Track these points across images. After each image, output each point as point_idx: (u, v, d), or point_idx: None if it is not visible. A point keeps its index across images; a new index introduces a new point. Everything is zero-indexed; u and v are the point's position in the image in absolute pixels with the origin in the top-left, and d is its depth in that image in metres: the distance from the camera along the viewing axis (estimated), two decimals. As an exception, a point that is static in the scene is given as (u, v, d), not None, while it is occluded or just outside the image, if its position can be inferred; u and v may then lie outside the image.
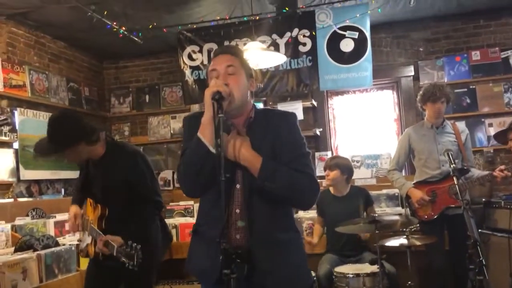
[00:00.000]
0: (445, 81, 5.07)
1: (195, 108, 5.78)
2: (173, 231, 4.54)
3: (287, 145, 1.75)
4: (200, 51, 4.91)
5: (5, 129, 4.30)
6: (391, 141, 5.47)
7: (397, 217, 3.56)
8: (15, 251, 3.16)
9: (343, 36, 4.58)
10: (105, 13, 4.34)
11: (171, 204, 5.21)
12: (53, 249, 3.22)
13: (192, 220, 4.73)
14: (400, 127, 5.40)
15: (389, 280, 3.44)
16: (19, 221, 3.65)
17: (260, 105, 5.44)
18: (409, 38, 5.35)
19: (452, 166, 3.12)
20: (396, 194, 4.64)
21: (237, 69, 1.75)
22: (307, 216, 4.32)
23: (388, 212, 4.41)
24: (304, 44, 4.66)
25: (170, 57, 5.86)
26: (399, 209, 4.49)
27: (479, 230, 3.86)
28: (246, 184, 1.70)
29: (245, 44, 4.45)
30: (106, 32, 4.70)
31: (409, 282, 3.40)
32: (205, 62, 4.88)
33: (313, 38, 4.63)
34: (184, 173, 1.70)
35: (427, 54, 5.30)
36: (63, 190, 4.97)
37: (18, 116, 4.45)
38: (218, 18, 4.72)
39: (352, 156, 5.19)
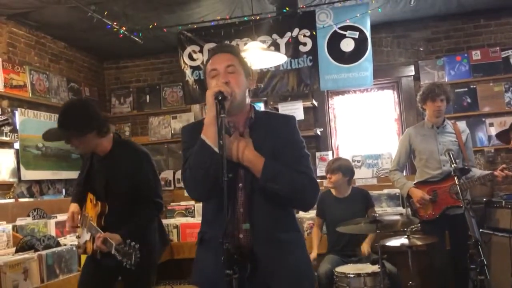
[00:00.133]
0: (446, 80, 5.07)
1: (196, 108, 5.79)
2: (174, 231, 4.55)
3: (288, 147, 1.77)
4: (201, 51, 4.91)
5: (6, 129, 4.30)
6: (391, 141, 5.47)
7: (398, 217, 3.57)
8: (16, 251, 3.16)
9: (344, 36, 4.58)
10: (105, 13, 4.33)
11: (172, 204, 5.22)
12: (54, 249, 3.21)
13: (193, 220, 4.74)
14: (401, 127, 5.40)
15: (390, 280, 3.44)
16: (20, 222, 3.66)
17: (260, 105, 5.45)
18: (409, 37, 5.35)
19: (453, 166, 3.12)
20: (397, 194, 4.64)
21: (237, 68, 1.76)
22: (307, 216, 4.32)
23: (389, 212, 4.41)
24: (305, 44, 4.66)
25: (171, 57, 5.86)
26: (400, 209, 4.49)
27: (480, 230, 3.87)
28: (248, 184, 1.72)
29: (245, 44, 4.45)
30: (106, 32, 4.70)
31: (410, 282, 3.41)
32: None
33: (313, 38, 4.63)
34: (191, 177, 1.70)
35: (428, 54, 5.30)
36: (64, 191, 4.97)
37: (19, 116, 4.45)
38: (219, 18, 4.72)
39: (353, 156, 5.19)
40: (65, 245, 3.38)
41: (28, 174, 4.49)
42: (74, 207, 2.82)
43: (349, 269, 3.52)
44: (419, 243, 3.40)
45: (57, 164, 4.85)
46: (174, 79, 5.91)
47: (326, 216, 4.05)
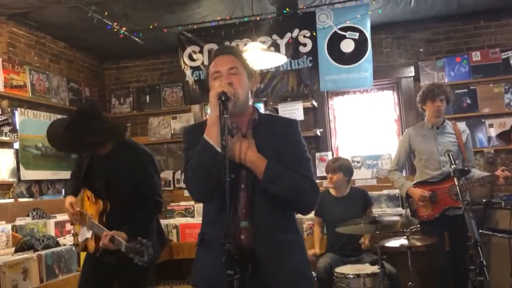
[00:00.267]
0: (446, 81, 5.07)
1: (196, 108, 5.79)
2: (174, 232, 4.55)
3: (290, 150, 1.78)
4: (201, 52, 4.91)
5: (6, 129, 4.30)
6: (391, 142, 5.47)
7: (397, 218, 3.58)
8: (16, 251, 3.16)
9: (344, 37, 4.58)
10: (105, 13, 4.34)
11: (171, 204, 5.22)
12: (53, 249, 3.22)
13: (193, 221, 4.74)
14: (401, 127, 5.40)
15: (389, 280, 3.44)
16: (19, 222, 3.65)
17: (260, 106, 5.45)
18: (409, 38, 5.35)
19: (452, 166, 3.12)
20: (397, 195, 4.65)
21: (239, 69, 1.77)
22: (307, 217, 4.33)
23: (388, 212, 4.42)
24: (305, 45, 4.66)
25: (171, 58, 5.86)
26: (400, 210, 4.50)
27: (480, 231, 3.86)
28: (250, 185, 1.72)
29: (245, 44, 4.44)
30: (106, 33, 4.70)
31: (410, 283, 3.41)
32: (206, 62, 4.87)
33: (313, 38, 4.63)
34: (193, 177, 1.70)
35: (428, 55, 5.31)
36: (63, 191, 4.97)
37: (19, 116, 4.45)
38: (219, 18, 4.72)
39: (352, 157, 5.19)
40: (64, 245, 3.38)
41: (28, 174, 4.49)
42: (70, 198, 2.83)
43: (348, 269, 3.52)
44: (418, 243, 3.41)
45: (57, 164, 4.85)
46: (174, 80, 5.91)
47: (325, 216, 4.05)
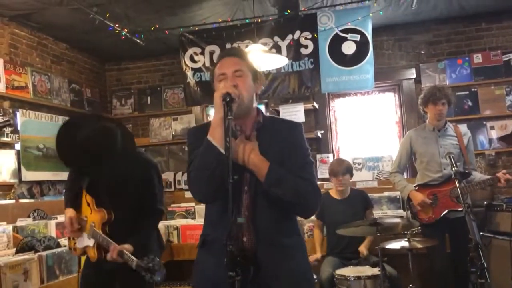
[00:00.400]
0: (447, 83, 5.07)
1: (197, 109, 5.80)
2: (174, 233, 4.55)
3: (294, 154, 1.78)
4: (202, 53, 4.91)
5: (7, 130, 4.30)
6: (392, 144, 5.47)
7: (398, 220, 3.56)
8: (17, 252, 3.16)
9: (345, 39, 4.58)
10: (107, 15, 4.35)
11: (172, 205, 5.22)
12: (54, 250, 3.22)
13: (194, 222, 4.74)
14: (402, 129, 5.40)
15: (390, 283, 3.43)
16: (20, 222, 3.66)
17: (261, 107, 5.45)
18: (411, 40, 5.35)
19: (453, 169, 3.11)
20: (398, 197, 4.64)
21: (244, 72, 1.77)
22: (308, 219, 4.32)
23: (389, 214, 4.42)
24: (306, 47, 4.66)
25: (172, 59, 5.87)
26: (401, 212, 4.49)
27: (481, 233, 3.86)
28: (253, 187, 1.73)
29: (247, 46, 4.45)
30: (108, 34, 4.72)
31: (411, 285, 3.40)
32: (207, 64, 4.88)
33: (315, 40, 4.63)
34: (196, 178, 1.70)
35: (429, 57, 5.31)
36: (64, 192, 4.97)
37: (20, 117, 4.45)
38: (220, 20, 4.72)
39: (353, 159, 5.19)
40: (65, 246, 3.37)
41: (29, 175, 4.50)
42: (70, 212, 2.73)
43: (349, 271, 3.52)
44: (419, 246, 3.40)
45: (58, 165, 4.79)
46: (175, 81, 5.92)
47: (325, 218, 4.05)
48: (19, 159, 4.40)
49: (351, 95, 5.65)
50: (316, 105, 5.32)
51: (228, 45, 4.76)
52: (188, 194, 5.28)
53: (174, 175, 5.77)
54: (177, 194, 5.59)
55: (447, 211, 3.60)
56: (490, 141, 5.01)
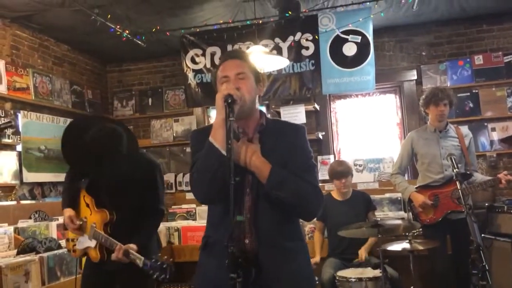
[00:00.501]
0: (448, 85, 5.06)
1: (198, 111, 5.80)
2: (175, 234, 4.55)
3: (297, 156, 1.78)
4: (203, 55, 4.91)
5: (9, 131, 4.31)
6: (393, 145, 5.46)
7: (399, 221, 3.57)
8: (18, 253, 3.17)
9: (346, 40, 4.58)
10: (108, 16, 4.36)
11: (173, 207, 5.22)
12: (55, 251, 3.22)
13: (194, 223, 4.74)
14: (403, 131, 5.40)
15: (391, 284, 3.43)
16: (22, 224, 3.66)
17: (262, 109, 5.45)
18: (412, 42, 5.35)
19: (455, 170, 3.11)
20: (399, 198, 4.64)
21: (247, 74, 1.78)
22: (309, 220, 4.32)
23: (390, 216, 4.42)
24: (307, 48, 4.66)
25: (173, 61, 5.87)
26: (402, 213, 4.49)
27: (482, 235, 3.86)
28: (255, 189, 1.73)
29: (248, 47, 4.46)
30: (109, 36, 4.72)
31: (412, 287, 3.41)
32: (208, 65, 4.89)
33: (315, 42, 4.63)
34: (198, 180, 1.70)
35: (430, 58, 5.31)
36: (61, 193, 4.97)
37: (22, 118, 4.46)
38: (221, 21, 4.73)
39: (354, 160, 5.19)
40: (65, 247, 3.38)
41: (30, 177, 4.50)
42: (69, 211, 2.73)
43: (350, 273, 3.52)
44: (420, 247, 3.40)
45: (59, 166, 4.85)
46: (176, 82, 5.93)
47: (327, 220, 4.05)
48: (21, 160, 4.41)
49: (352, 97, 5.64)
50: (317, 107, 5.32)
51: (229, 47, 4.77)
52: (189, 196, 5.28)
53: (175, 176, 5.77)
54: (178, 195, 5.58)
55: (448, 212, 3.60)
56: (491, 142, 5.01)
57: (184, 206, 5.16)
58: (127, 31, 4.72)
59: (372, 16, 4.48)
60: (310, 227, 4.34)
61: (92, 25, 4.39)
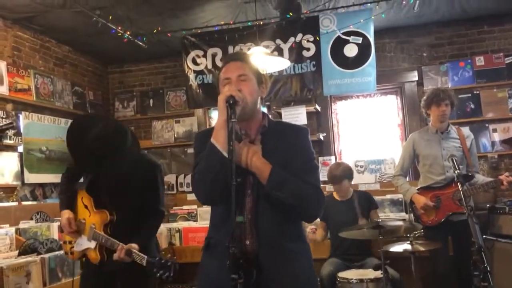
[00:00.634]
0: (449, 86, 5.06)
1: (199, 112, 5.81)
2: (177, 235, 4.55)
3: (299, 158, 1.78)
4: (204, 56, 4.92)
5: (10, 132, 4.31)
6: (394, 146, 5.46)
7: (401, 223, 3.56)
8: (19, 254, 3.17)
9: (347, 41, 4.58)
10: (110, 18, 4.36)
11: (174, 208, 5.23)
12: (56, 252, 3.23)
13: (196, 225, 4.74)
14: (404, 132, 5.40)
15: (392, 285, 3.43)
16: (23, 225, 3.67)
17: (263, 110, 5.45)
18: (413, 43, 5.35)
19: (456, 172, 3.11)
20: (400, 200, 4.64)
21: (249, 76, 1.79)
22: (310, 221, 4.32)
23: (392, 217, 4.41)
24: (308, 49, 4.67)
25: (174, 62, 5.88)
26: (403, 215, 4.49)
27: (484, 236, 3.85)
28: (255, 190, 1.73)
29: (249, 49, 4.47)
30: (110, 37, 4.73)
31: (413, 288, 3.40)
32: (209, 66, 4.89)
33: (317, 43, 4.64)
34: (200, 181, 1.71)
35: (431, 60, 5.30)
36: (58, 195, 4.97)
37: (23, 119, 4.46)
38: (222, 23, 4.73)
39: (355, 161, 5.19)
40: (67, 248, 3.38)
41: (32, 178, 4.51)
42: (68, 213, 2.70)
43: (351, 274, 3.51)
44: (422, 249, 3.39)
45: (61, 167, 4.84)
46: (177, 83, 5.93)
47: (328, 219, 4.05)
48: (22, 161, 4.41)
49: (353, 98, 5.65)
50: (318, 108, 5.32)
51: (230, 48, 4.77)
52: (190, 197, 5.29)
53: (176, 177, 5.77)
54: (179, 196, 5.59)
55: (450, 214, 3.59)
56: (493, 143, 5.00)
57: (185, 207, 5.17)
58: (128, 32, 4.72)
59: (373, 17, 4.48)
60: (311, 228, 4.33)
61: (93, 26, 4.40)
